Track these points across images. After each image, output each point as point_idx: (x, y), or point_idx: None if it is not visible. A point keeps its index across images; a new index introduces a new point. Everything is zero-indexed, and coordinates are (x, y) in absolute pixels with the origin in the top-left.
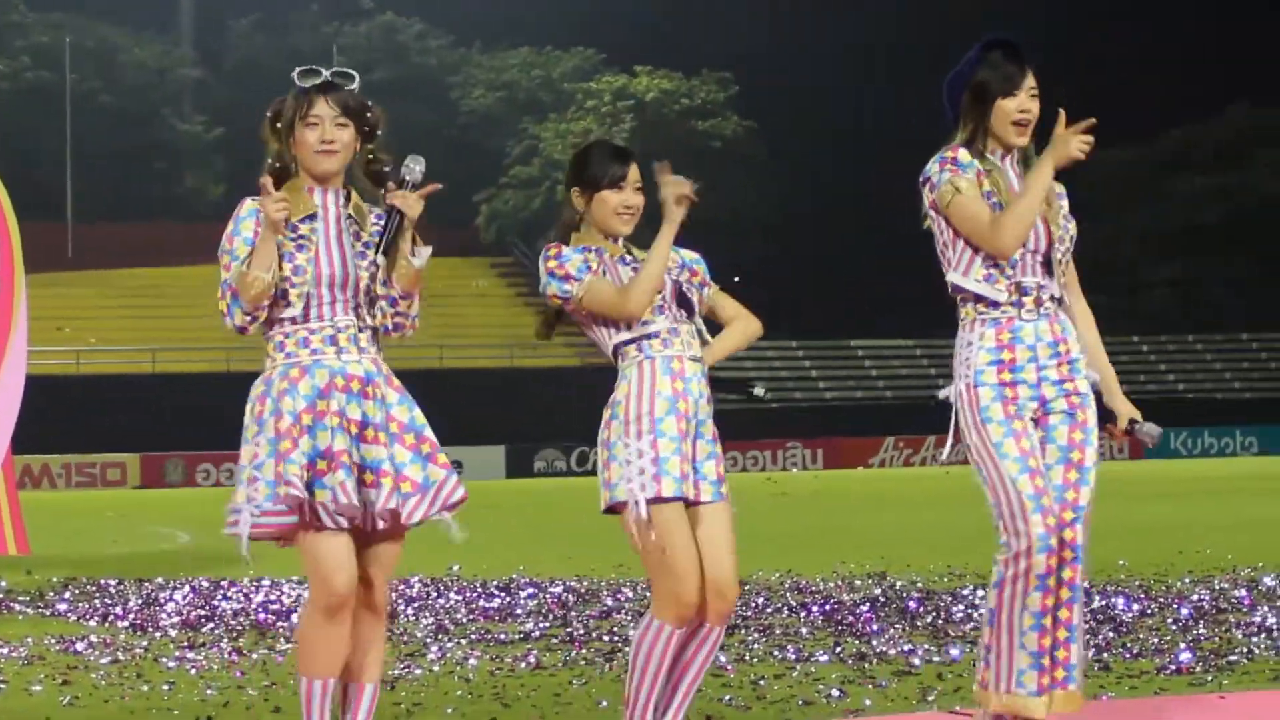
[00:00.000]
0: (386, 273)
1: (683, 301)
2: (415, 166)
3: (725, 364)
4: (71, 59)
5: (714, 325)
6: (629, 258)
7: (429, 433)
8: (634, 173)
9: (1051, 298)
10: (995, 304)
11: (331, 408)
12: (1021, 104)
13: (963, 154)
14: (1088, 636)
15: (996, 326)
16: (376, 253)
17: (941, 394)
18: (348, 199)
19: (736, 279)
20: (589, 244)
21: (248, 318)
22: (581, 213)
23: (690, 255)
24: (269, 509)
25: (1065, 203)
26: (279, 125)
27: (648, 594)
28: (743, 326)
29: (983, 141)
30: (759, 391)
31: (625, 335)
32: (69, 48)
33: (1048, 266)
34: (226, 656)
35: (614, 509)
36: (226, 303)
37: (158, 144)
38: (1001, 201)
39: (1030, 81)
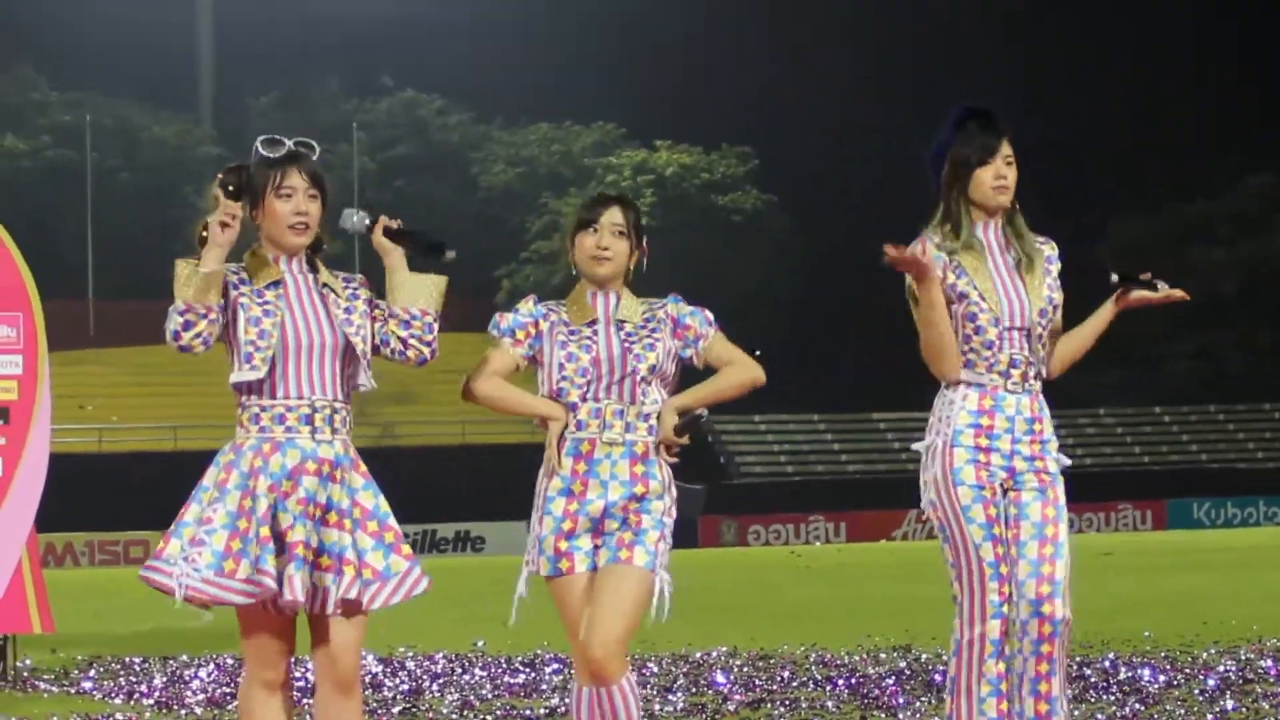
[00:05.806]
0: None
1: (633, 385)
2: (353, 216)
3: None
4: (92, 137)
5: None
6: (588, 330)
7: (393, 521)
8: (611, 215)
9: (1036, 374)
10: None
11: (298, 493)
12: (998, 171)
13: (929, 246)
14: (1114, 709)
15: (980, 391)
16: (436, 254)
17: (916, 446)
18: (313, 268)
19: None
20: (577, 300)
21: (181, 319)
22: (574, 262)
23: (683, 310)
24: (209, 578)
25: (1055, 267)
26: (231, 190)
27: (673, 669)
28: (737, 370)
29: (962, 212)
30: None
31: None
32: (89, 126)
33: (1029, 338)
34: None
35: None
36: (168, 316)
37: (179, 221)
38: (974, 281)
39: (1006, 150)
